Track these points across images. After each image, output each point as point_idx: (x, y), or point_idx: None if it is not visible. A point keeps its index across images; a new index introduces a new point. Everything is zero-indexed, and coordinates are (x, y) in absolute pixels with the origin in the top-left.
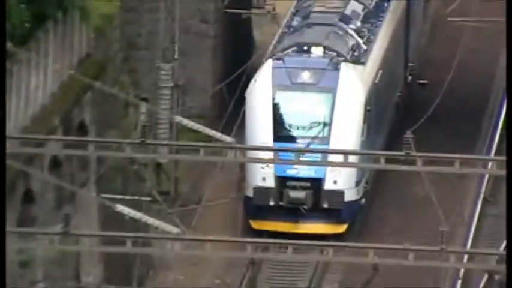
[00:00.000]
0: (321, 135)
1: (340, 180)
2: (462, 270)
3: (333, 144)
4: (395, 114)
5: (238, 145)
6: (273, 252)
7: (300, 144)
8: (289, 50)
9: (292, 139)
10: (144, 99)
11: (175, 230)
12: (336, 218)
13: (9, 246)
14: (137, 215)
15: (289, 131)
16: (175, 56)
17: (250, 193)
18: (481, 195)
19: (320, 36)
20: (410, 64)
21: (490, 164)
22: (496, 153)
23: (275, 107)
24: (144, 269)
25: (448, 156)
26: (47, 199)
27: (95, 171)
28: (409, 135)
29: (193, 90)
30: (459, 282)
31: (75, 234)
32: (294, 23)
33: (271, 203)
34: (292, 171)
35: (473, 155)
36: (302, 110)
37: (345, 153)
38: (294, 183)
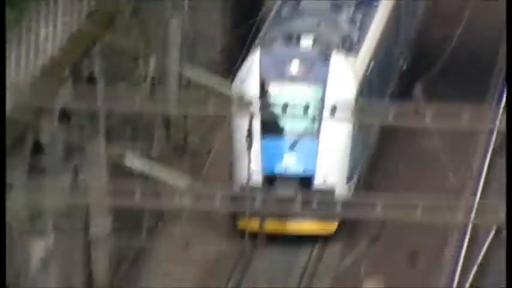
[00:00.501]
0: (310, 130)
1: (331, 177)
2: (470, 224)
3: (323, 139)
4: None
5: (246, 98)
6: (284, 203)
7: (289, 139)
8: (278, 40)
9: (282, 134)
10: (153, 53)
11: (184, 182)
12: (327, 217)
13: (19, 197)
14: (146, 167)
15: (278, 126)
16: (185, 9)
17: (237, 191)
18: (490, 148)
19: (310, 25)
20: (404, 53)
21: (499, 117)
22: None
23: (263, 100)
24: (153, 221)
25: (457, 109)
26: (56, 151)
27: (104, 123)
28: (418, 88)
29: (203, 43)
30: (467, 236)
31: (85, 186)
32: (284, 10)
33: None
34: (280, 168)
35: (482, 109)
36: (291, 103)
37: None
38: (282, 181)
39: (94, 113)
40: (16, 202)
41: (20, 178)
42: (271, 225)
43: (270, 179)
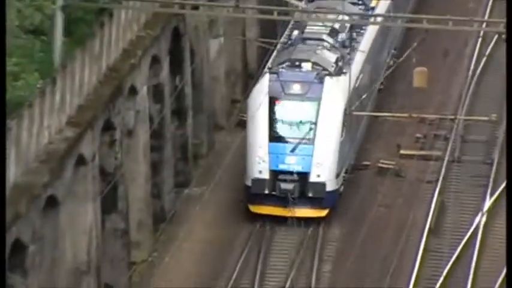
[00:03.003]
0: (308, 136)
1: (323, 174)
2: (482, 33)
3: (318, 144)
4: (377, 96)
5: None
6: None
7: (291, 144)
8: (284, 65)
9: (285, 139)
10: None
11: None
12: (319, 205)
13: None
14: None
15: (282, 133)
16: None
17: (249, 183)
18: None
19: (310, 52)
20: (393, 51)
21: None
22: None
23: (271, 113)
24: (284, 27)
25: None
26: None
27: None
28: None
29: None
30: (480, 39)
31: (243, 6)
32: (293, 35)
33: (266, 192)
34: (283, 166)
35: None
36: (293, 116)
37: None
38: (284, 176)
39: None
40: (200, 15)
41: None
42: (277, 211)
43: (275, 174)
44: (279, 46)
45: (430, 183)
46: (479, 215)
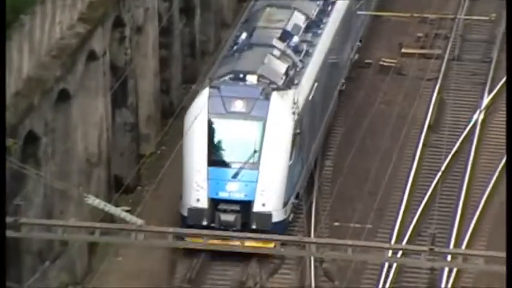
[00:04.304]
0: (251, 160)
1: (269, 202)
2: None
3: (263, 169)
4: (338, 100)
5: None
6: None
7: (233, 168)
8: (226, 77)
9: (226, 164)
10: None
11: None
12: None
13: None
14: None
15: (223, 156)
16: None
17: (185, 213)
18: None
19: (256, 62)
20: (358, 44)
21: None
22: None
23: (210, 133)
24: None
25: None
26: None
27: None
28: None
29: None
30: None
31: None
32: (240, 39)
33: (204, 223)
34: (224, 194)
35: None
36: (235, 137)
37: None
38: (225, 206)
39: None
40: None
41: None
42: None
43: (215, 203)
44: (223, 53)
45: (430, 81)
46: (478, 111)
